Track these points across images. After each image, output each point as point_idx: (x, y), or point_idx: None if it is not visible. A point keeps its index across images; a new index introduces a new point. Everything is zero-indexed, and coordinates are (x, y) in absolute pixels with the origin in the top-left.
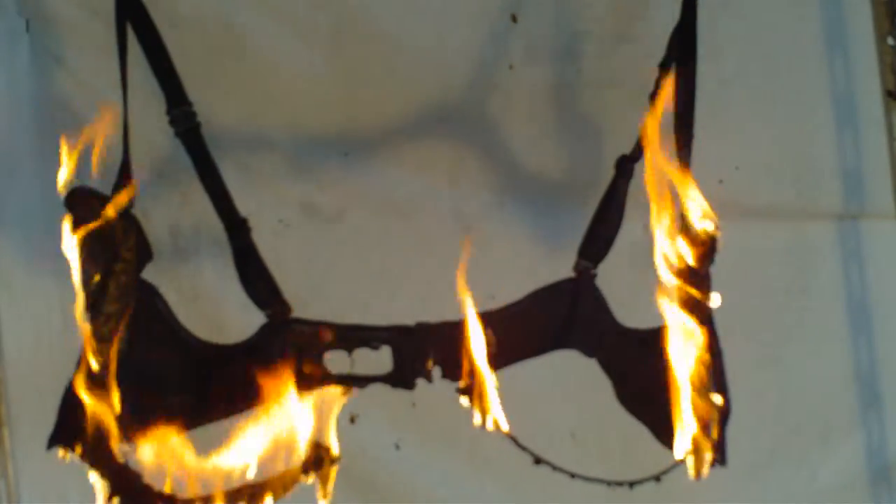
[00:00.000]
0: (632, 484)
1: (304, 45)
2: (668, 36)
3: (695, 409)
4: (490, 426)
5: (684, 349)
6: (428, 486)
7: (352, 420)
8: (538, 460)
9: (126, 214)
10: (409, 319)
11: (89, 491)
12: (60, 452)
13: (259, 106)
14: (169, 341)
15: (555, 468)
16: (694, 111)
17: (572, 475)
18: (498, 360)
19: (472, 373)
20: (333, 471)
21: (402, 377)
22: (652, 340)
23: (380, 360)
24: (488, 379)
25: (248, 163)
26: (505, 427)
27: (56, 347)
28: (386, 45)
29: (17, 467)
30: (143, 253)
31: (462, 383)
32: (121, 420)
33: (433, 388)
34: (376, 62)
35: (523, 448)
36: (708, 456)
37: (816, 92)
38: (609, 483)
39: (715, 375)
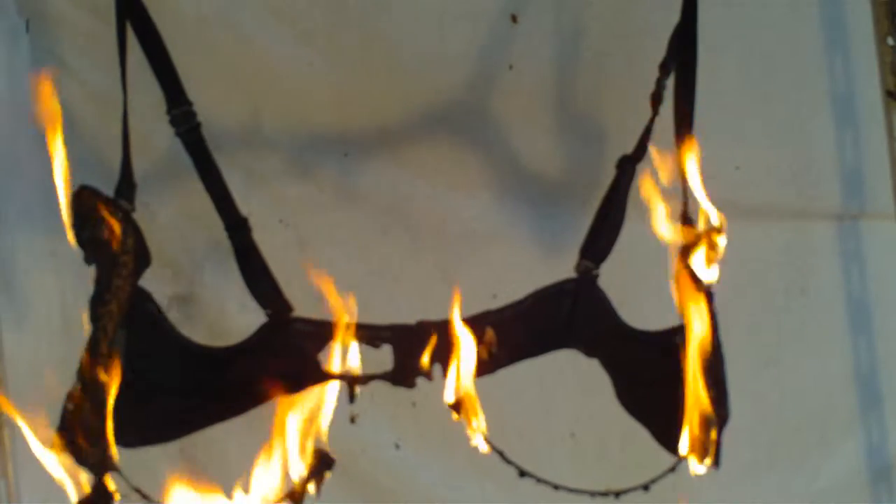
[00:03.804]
0: (618, 494)
1: (304, 45)
2: (669, 36)
3: (694, 412)
4: (478, 443)
5: (687, 352)
6: (428, 486)
7: (352, 420)
8: (522, 473)
9: (126, 217)
10: (408, 319)
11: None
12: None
13: (259, 106)
14: (164, 347)
15: (539, 480)
16: (694, 111)
17: (555, 486)
18: (499, 359)
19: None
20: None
21: (402, 375)
22: (655, 342)
23: (380, 358)
24: (475, 396)
25: (248, 163)
26: (488, 445)
27: (56, 347)
28: (386, 45)
29: (17, 467)
30: (142, 257)
31: (452, 398)
32: (118, 425)
33: (433, 388)
34: (376, 62)
35: (509, 461)
36: (706, 459)
37: (816, 92)
38: (593, 494)
39: (715, 379)
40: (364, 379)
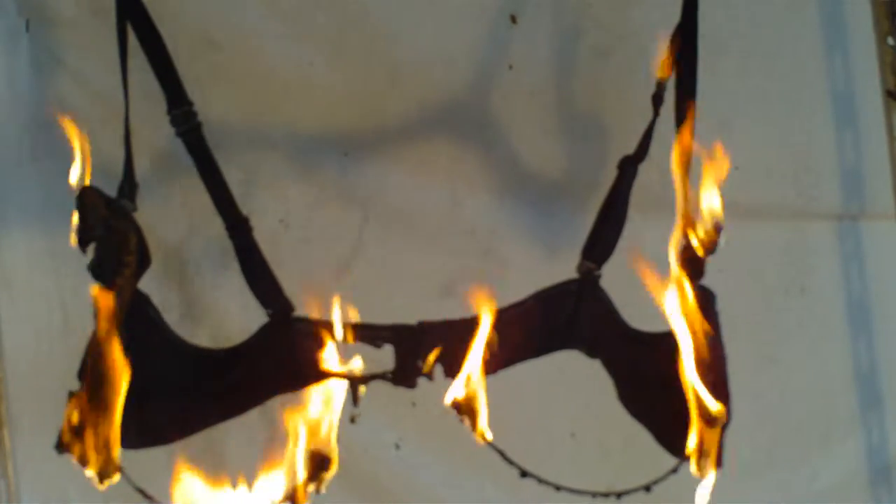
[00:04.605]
0: (619, 495)
1: (304, 45)
2: (669, 36)
3: (697, 413)
4: (479, 440)
5: (689, 353)
6: (428, 486)
7: (352, 420)
8: (524, 473)
9: (129, 217)
10: (408, 319)
11: (90, 491)
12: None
13: (259, 106)
14: (163, 350)
15: (540, 481)
16: (694, 111)
17: (557, 487)
18: (500, 359)
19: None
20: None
21: (403, 376)
22: (657, 343)
23: (381, 358)
24: (480, 394)
25: (249, 163)
26: (490, 439)
27: (56, 347)
28: (386, 46)
29: (17, 467)
30: (143, 258)
31: (457, 397)
32: (121, 427)
33: (433, 388)
34: (376, 62)
35: (511, 462)
36: (709, 460)
37: (816, 92)
38: (594, 495)
39: (717, 380)
40: (365, 379)
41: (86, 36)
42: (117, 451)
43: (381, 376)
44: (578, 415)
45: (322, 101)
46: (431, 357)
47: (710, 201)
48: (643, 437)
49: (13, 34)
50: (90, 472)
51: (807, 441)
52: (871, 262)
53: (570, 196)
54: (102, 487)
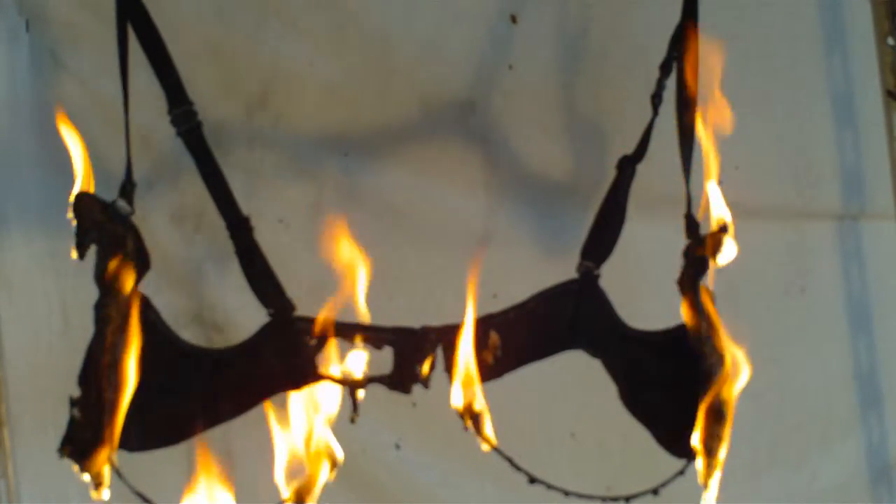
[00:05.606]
0: (628, 499)
1: (304, 45)
2: (669, 36)
3: (700, 412)
4: (485, 447)
5: (689, 351)
6: (428, 486)
7: (351, 420)
8: (533, 480)
9: (125, 220)
10: (408, 320)
11: (89, 491)
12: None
13: (259, 106)
14: (164, 351)
15: (549, 487)
16: (695, 112)
17: (566, 493)
18: (506, 363)
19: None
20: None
21: (400, 381)
22: (656, 343)
23: (381, 358)
24: (481, 401)
25: (248, 163)
26: (498, 447)
27: (56, 347)
28: (386, 46)
29: (17, 467)
30: (142, 262)
31: (460, 404)
32: (122, 429)
33: (434, 389)
34: (376, 62)
35: (518, 468)
36: (714, 461)
37: (816, 92)
38: (604, 499)
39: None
40: (362, 382)
41: (86, 36)
42: (114, 457)
43: (378, 380)
44: (578, 415)
45: (322, 101)
46: (426, 365)
47: (714, 198)
48: (643, 438)
49: (13, 34)
50: (86, 477)
51: (807, 441)
52: (871, 262)
53: (569, 196)
54: (100, 496)
